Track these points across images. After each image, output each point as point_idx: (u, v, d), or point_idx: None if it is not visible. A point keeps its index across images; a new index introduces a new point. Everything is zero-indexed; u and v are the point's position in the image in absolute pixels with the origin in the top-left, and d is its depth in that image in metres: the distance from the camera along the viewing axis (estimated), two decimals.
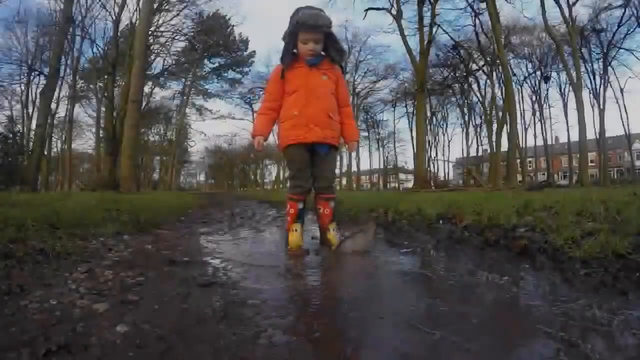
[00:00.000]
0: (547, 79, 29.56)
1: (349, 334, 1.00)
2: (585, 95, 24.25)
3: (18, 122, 21.98)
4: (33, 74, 23.96)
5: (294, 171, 2.27)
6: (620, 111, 27.15)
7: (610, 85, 26.11)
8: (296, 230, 2.26)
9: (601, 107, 25.01)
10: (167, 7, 19.92)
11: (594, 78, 25.96)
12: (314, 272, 1.80)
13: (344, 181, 38.44)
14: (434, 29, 19.17)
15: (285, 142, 2.23)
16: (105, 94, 17.68)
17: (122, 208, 4.35)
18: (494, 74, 23.18)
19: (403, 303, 1.25)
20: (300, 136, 2.16)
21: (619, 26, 22.60)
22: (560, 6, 19.12)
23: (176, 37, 21.33)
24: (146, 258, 1.96)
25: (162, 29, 20.65)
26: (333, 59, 2.25)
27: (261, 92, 38.09)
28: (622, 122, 28.06)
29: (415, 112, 26.19)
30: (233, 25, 27.76)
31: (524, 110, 31.91)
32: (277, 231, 3.26)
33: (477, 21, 21.66)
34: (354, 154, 36.04)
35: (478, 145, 34.09)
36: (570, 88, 21.54)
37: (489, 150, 24.38)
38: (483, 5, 16.99)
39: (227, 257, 2.01)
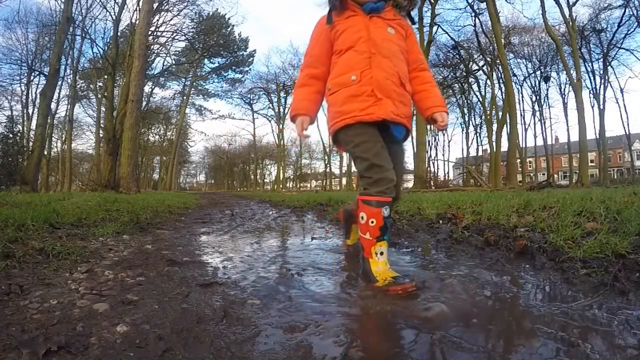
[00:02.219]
0: (547, 79, 29.56)
1: None
2: (585, 95, 24.30)
3: (18, 122, 21.95)
4: (33, 74, 23.97)
5: (371, 158, 1.46)
6: (620, 111, 27.15)
7: (610, 85, 26.11)
8: (381, 255, 1.45)
9: (601, 107, 24.99)
10: (167, 7, 19.92)
11: (594, 78, 25.96)
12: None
13: (344, 181, 38.42)
14: (434, 29, 19.20)
15: (341, 121, 1.50)
16: (105, 94, 17.67)
17: (122, 208, 4.36)
18: (494, 74, 23.17)
19: None
20: (364, 110, 1.45)
21: (619, 26, 22.59)
22: (560, 6, 19.12)
23: (176, 37, 21.30)
24: (146, 258, 1.96)
25: (162, 29, 20.64)
26: (400, 6, 1.61)
27: (261, 92, 38.44)
28: (622, 122, 28.13)
29: (415, 112, 26.15)
30: (233, 25, 27.80)
31: (524, 110, 31.92)
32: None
33: (477, 21, 21.67)
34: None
35: (478, 145, 34.10)
36: (570, 88, 21.54)
37: (489, 150, 24.37)
38: (483, 5, 16.99)
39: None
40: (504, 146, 18.09)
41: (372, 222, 1.43)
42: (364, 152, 1.48)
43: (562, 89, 29.43)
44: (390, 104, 1.47)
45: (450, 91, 30.23)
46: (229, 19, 26.37)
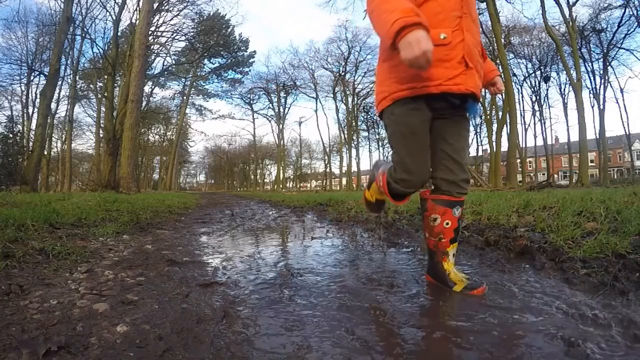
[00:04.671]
0: (547, 79, 29.56)
1: None
2: (585, 95, 24.32)
3: (18, 122, 21.95)
4: (33, 74, 23.97)
5: (411, 147, 1.25)
6: (620, 111, 27.17)
7: (610, 85, 26.13)
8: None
9: (601, 107, 25.00)
10: (167, 7, 19.93)
11: (594, 78, 25.98)
12: None
13: (344, 181, 38.43)
14: None
15: (423, 88, 1.20)
16: (105, 94, 17.67)
17: (122, 208, 4.36)
18: None
19: None
20: (452, 80, 1.18)
21: (619, 26, 22.60)
22: (560, 6, 19.13)
23: (176, 37, 21.32)
24: (146, 258, 1.96)
25: (162, 29, 20.66)
26: None
27: (261, 92, 38.45)
28: (622, 122, 28.16)
29: None
30: (233, 26, 27.82)
31: (524, 110, 31.94)
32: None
33: None
34: (353, 154, 36.08)
35: (478, 145, 34.11)
36: (570, 88, 21.54)
37: (488, 150, 24.37)
38: (483, 5, 16.96)
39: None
40: (504, 146, 18.08)
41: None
42: (407, 139, 1.26)
43: (562, 89, 29.46)
44: (476, 77, 1.25)
45: None
46: (229, 19, 26.40)
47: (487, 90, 1.57)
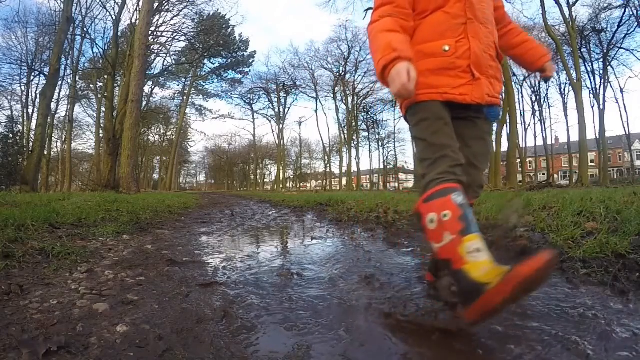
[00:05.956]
0: (547, 79, 29.53)
1: None
2: (585, 95, 24.30)
3: (18, 122, 21.96)
4: (33, 74, 23.97)
5: (428, 137, 1.17)
6: (620, 111, 27.16)
7: (610, 85, 26.10)
8: (479, 252, 0.98)
9: (601, 107, 24.99)
10: (167, 7, 19.94)
11: (594, 78, 25.96)
12: None
13: (343, 181, 38.45)
14: None
15: (426, 94, 1.18)
16: (105, 94, 17.68)
17: (122, 208, 4.36)
18: None
19: None
20: (457, 89, 1.17)
21: (619, 26, 22.59)
22: (560, 6, 19.12)
23: (176, 37, 21.33)
24: (146, 258, 1.96)
25: (162, 29, 20.67)
26: None
27: (261, 92, 38.51)
28: (622, 122, 28.15)
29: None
30: (233, 26, 27.82)
31: (524, 110, 31.93)
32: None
33: None
34: (353, 154, 36.07)
35: None
36: (570, 88, 21.55)
37: None
38: None
39: None
40: (504, 146, 18.08)
41: (445, 215, 1.02)
42: (423, 131, 1.19)
43: (562, 89, 29.45)
44: (486, 84, 1.21)
45: None
46: (229, 19, 26.41)
47: (535, 75, 1.51)
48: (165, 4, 19.54)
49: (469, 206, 1.05)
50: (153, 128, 39.43)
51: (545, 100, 31.58)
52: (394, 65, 1.06)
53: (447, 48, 1.17)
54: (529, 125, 33.59)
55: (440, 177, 1.07)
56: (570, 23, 19.49)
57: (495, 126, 1.49)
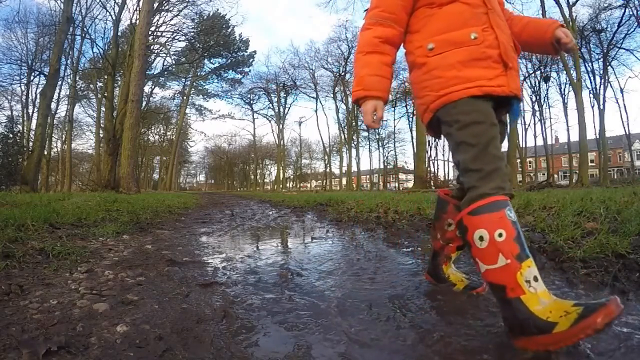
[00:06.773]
0: (547, 79, 29.53)
1: None
2: (585, 95, 24.30)
3: (18, 122, 21.95)
4: (33, 74, 23.97)
5: (483, 143, 1.04)
6: (620, 111, 27.16)
7: (610, 85, 26.12)
8: (536, 281, 0.91)
9: (601, 107, 24.99)
10: (167, 7, 19.94)
11: (594, 78, 25.97)
12: None
13: (343, 181, 38.45)
14: None
15: (464, 90, 1.06)
16: (105, 94, 17.68)
17: (122, 208, 4.36)
18: None
19: None
20: (493, 80, 1.07)
21: (619, 26, 22.59)
22: (560, 6, 19.14)
23: (176, 37, 21.33)
24: (146, 258, 1.96)
25: (162, 29, 20.67)
26: None
27: (261, 92, 38.55)
28: (622, 122, 28.15)
29: (415, 112, 26.20)
30: (233, 26, 27.82)
31: (523, 110, 31.90)
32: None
33: None
34: (353, 153, 36.06)
35: None
36: (570, 88, 21.55)
37: None
38: None
39: None
40: (504, 146, 18.03)
41: (500, 235, 0.93)
42: (474, 137, 1.04)
43: (562, 89, 29.46)
44: (516, 76, 1.12)
45: None
46: (229, 19, 26.41)
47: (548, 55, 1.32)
48: (165, 4, 19.55)
49: (518, 223, 0.98)
50: (153, 128, 39.45)
51: (545, 100, 31.60)
52: (363, 102, 1.13)
53: (474, 35, 1.08)
54: (529, 125, 33.57)
55: (494, 192, 0.99)
56: (570, 23, 19.50)
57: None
